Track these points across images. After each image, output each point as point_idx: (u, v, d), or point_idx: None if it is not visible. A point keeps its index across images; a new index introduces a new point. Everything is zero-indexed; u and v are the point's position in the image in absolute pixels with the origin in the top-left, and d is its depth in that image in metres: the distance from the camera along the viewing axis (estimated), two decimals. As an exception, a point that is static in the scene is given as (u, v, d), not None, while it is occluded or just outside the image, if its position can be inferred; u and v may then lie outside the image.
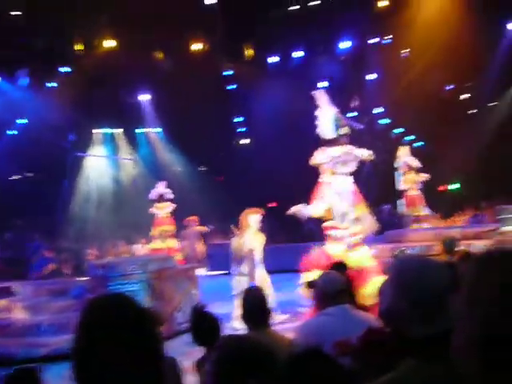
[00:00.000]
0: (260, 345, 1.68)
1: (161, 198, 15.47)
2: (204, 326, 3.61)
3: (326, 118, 7.97)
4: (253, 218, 8.68)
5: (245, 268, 8.65)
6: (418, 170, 14.43)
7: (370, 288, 7.34)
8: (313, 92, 8.35)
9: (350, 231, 7.88)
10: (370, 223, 8.17)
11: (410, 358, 1.64)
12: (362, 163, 8.45)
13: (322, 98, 8.16)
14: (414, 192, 14.08)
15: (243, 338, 1.80)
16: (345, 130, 7.98)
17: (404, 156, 14.30)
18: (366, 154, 8.13)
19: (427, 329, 1.61)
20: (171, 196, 15.63)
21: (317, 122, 8.06)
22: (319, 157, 7.97)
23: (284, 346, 3.21)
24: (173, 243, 15.32)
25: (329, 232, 7.85)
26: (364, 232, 8.08)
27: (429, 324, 1.62)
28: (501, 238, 10.07)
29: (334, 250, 7.68)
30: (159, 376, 1.48)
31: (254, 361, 1.70)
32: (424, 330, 1.62)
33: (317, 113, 8.07)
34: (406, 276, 1.72)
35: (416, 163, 14.21)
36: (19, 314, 8.50)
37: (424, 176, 14.12)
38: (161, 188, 15.72)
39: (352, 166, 8.02)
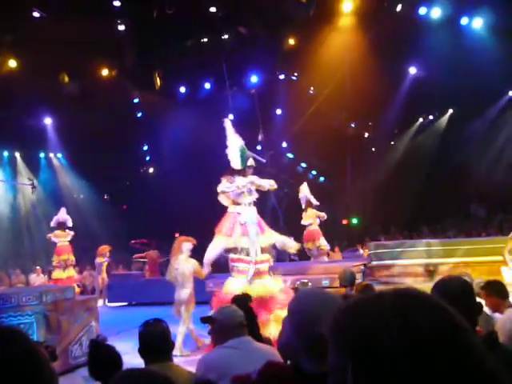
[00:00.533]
0: (161, 377, 1.64)
1: (61, 225, 14.87)
2: (102, 359, 3.46)
3: (234, 148, 8.14)
4: (185, 246, 8.90)
5: (179, 294, 8.72)
6: (317, 206, 14.81)
7: (273, 319, 7.46)
8: (222, 119, 8.55)
9: (258, 259, 8.03)
10: (289, 243, 8.43)
11: None
12: (265, 194, 8.69)
13: (229, 127, 8.34)
14: (314, 227, 14.42)
15: (143, 372, 1.74)
16: (250, 162, 8.16)
17: (304, 191, 14.65)
18: (268, 183, 8.37)
19: (319, 365, 1.58)
20: (70, 224, 15.08)
21: (227, 151, 8.20)
22: (225, 185, 8.10)
23: (184, 379, 3.16)
24: (72, 272, 14.76)
25: (235, 264, 7.97)
26: (271, 261, 8.26)
27: (319, 362, 1.58)
28: (367, 272, 10.63)
29: (235, 283, 7.79)
30: None
31: None
32: (316, 367, 1.61)
33: (227, 142, 8.24)
34: (300, 315, 1.73)
35: (313, 200, 14.58)
36: None
37: (321, 214, 14.51)
38: (61, 214, 15.13)
39: (255, 196, 8.23)
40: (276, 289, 7.94)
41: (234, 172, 8.20)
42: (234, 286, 7.71)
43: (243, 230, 7.97)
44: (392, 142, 23.28)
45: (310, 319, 1.66)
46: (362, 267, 10.79)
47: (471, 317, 2.43)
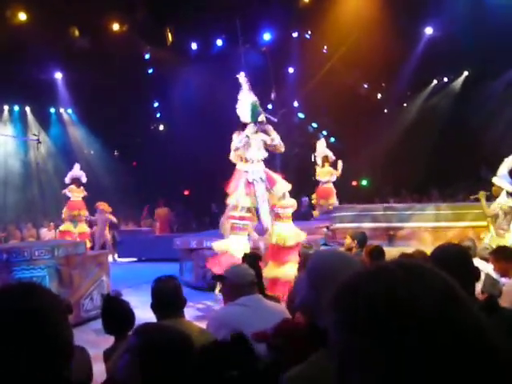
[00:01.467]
0: (178, 332, 1.67)
1: (75, 181, 14.94)
2: (116, 313, 3.53)
3: (245, 102, 8.05)
4: None
5: None
6: (332, 164, 14.83)
7: (286, 269, 7.54)
8: (238, 74, 8.42)
9: (278, 204, 8.05)
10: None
11: (323, 348, 1.67)
12: (274, 155, 8.63)
13: (243, 82, 8.25)
14: (329, 185, 14.48)
15: (163, 326, 1.78)
16: (261, 118, 8.08)
17: (321, 148, 14.66)
18: (277, 140, 8.27)
19: None
20: (85, 180, 15.13)
21: (237, 105, 8.11)
22: (236, 140, 8.05)
23: (196, 335, 3.22)
24: (84, 228, 14.89)
25: (235, 222, 7.92)
26: (293, 207, 8.27)
27: None
28: (329, 234, 10.71)
29: (237, 242, 7.79)
30: (67, 367, 1.44)
31: (174, 348, 1.68)
32: None
33: (239, 96, 8.14)
34: (322, 271, 1.75)
35: (331, 155, 14.60)
36: None
37: (337, 172, 14.54)
38: (76, 171, 15.19)
39: (263, 153, 8.16)
40: (293, 238, 7.92)
41: (243, 126, 8.13)
42: (236, 245, 7.69)
43: (248, 189, 7.94)
44: (405, 104, 22.99)
45: (330, 276, 1.68)
46: (325, 229, 10.85)
47: (469, 283, 2.47)
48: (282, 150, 8.44)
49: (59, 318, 1.44)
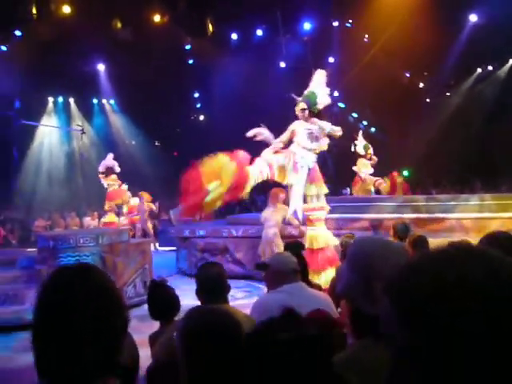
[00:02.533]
0: (230, 315, 1.70)
1: (109, 171, 15.18)
2: (162, 300, 3.58)
3: (323, 93, 8.11)
4: (280, 196, 9.21)
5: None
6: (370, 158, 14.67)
7: (325, 276, 7.45)
8: (317, 70, 8.45)
9: (307, 207, 8.02)
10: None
11: (367, 336, 1.66)
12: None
13: (321, 76, 8.31)
14: (365, 176, 14.36)
15: (214, 310, 1.80)
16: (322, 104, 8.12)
17: (361, 140, 14.55)
18: (335, 129, 8.25)
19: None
20: (118, 169, 15.35)
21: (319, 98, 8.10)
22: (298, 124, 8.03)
23: (241, 320, 3.25)
24: (124, 217, 15.16)
25: (313, 213, 7.90)
26: (326, 208, 8.21)
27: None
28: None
29: (323, 232, 7.76)
30: (122, 349, 1.47)
31: (224, 331, 1.71)
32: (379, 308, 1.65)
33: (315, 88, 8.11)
34: (363, 255, 1.73)
35: (371, 150, 14.48)
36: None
37: (374, 159, 14.43)
38: (109, 160, 15.42)
39: (320, 144, 8.12)
40: (321, 242, 7.82)
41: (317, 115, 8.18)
42: (324, 236, 7.73)
43: (311, 176, 7.97)
44: (448, 93, 22.53)
45: (375, 261, 1.68)
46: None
47: None
48: (340, 133, 8.38)
49: (119, 294, 1.48)
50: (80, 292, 1.40)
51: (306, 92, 8.18)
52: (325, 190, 8.19)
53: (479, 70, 21.79)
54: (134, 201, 16.09)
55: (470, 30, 18.84)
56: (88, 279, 1.45)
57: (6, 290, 7.64)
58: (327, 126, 8.11)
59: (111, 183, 15.16)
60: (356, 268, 1.72)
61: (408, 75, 21.43)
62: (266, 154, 8.03)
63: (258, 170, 7.66)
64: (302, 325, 1.91)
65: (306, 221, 8.11)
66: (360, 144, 14.60)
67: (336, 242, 7.92)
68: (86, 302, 1.39)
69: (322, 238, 7.80)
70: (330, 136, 8.30)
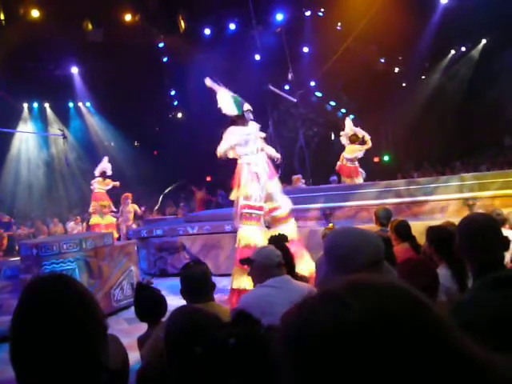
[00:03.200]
0: (211, 314, 1.69)
1: (103, 174, 15.12)
2: (148, 301, 3.60)
3: (224, 97, 7.87)
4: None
5: None
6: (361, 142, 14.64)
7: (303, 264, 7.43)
8: (205, 80, 8.20)
9: (271, 206, 7.90)
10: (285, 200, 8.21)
11: None
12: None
13: (212, 84, 8.07)
14: (353, 163, 14.36)
15: (195, 309, 1.81)
16: (247, 106, 7.87)
17: (349, 127, 14.51)
18: (272, 151, 8.16)
19: None
20: (110, 172, 15.28)
21: (219, 105, 7.89)
22: (232, 138, 7.80)
23: (226, 317, 3.24)
24: (111, 219, 15.05)
25: (246, 211, 7.75)
26: (286, 206, 8.08)
27: None
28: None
29: (251, 231, 7.63)
30: (105, 355, 1.47)
31: (205, 328, 1.70)
32: None
33: (217, 97, 7.93)
34: (338, 249, 1.73)
35: (362, 133, 14.43)
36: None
37: (367, 145, 14.40)
38: (104, 163, 15.35)
39: (260, 142, 7.97)
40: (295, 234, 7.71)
41: (233, 123, 7.93)
42: (250, 234, 7.48)
43: (252, 177, 7.80)
44: (423, 76, 22.68)
45: (350, 252, 1.67)
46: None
47: (497, 252, 2.45)
48: (278, 157, 8.30)
49: (95, 303, 1.48)
50: (57, 300, 1.41)
51: (231, 95, 7.91)
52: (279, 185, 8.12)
53: (453, 52, 21.96)
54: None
55: (441, 12, 18.93)
56: (64, 287, 1.45)
57: (-9, 301, 7.57)
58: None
59: (100, 187, 15.06)
60: (332, 259, 1.72)
61: (383, 61, 21.49)
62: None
63: None
64: (254, 327, 1.94)
65: (274, 220, 8.00)
66: (346, 134, 14.52)
67: (261, 242, 7.78)
68: (64, 309, 1.39)
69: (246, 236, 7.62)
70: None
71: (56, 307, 1.39)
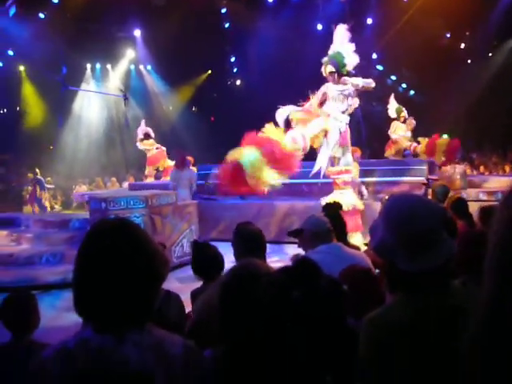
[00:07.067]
0: (263, 269, 1.74)
1: (146, 136, 15.41)
2: (205, 257, 3.63)
3: (348, 52, 7.98)
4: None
5: None
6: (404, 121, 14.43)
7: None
8: (338, 25, 8.29)
9: (333, 170, 8.01)
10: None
11: (401, 291, 1.70)
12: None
13: (343, 32, 8.15)
14: (397, 138, 14.20)
15: (258, 263, 1.82)
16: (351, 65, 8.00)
17: (393, 103, 14.30)
18: (368, 81, 8.18)
19: (416, 264, 1.63)
20: (153, 134, 15.60)
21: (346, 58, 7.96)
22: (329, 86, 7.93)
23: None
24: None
25: (339, 176, 7.85)
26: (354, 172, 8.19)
27: (417, 260, 1.63)
28: None
29: (349, 197, 7.68)
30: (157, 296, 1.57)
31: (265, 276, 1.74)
32: (413, 265, 1.64)
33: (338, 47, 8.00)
34: (396, 212, 1.72)
35: (404, 112, 14.22)
36: (22, 245, 8.63)
37: (411, 122, 14.20)
38: (143, 126, 15.66)
39: (352, 103, 8.05)
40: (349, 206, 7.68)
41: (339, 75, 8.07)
42: (347, 199, 7.63)
43: (341, 139, 7.92)
44: (490, 54, 21.89)
45: (408, 216, 1.66)
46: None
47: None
48: (373, 85, 8.29)
49: (154, 250, 1.58)
50: (118, 240, 1.51)
51: (330, 52, 8.05)
52: (349, 156, 8.15)
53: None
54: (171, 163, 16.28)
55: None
56: (126, 230, 1.56)
57: (60, 251, 7.94)
58: (359, 82, 8.06)
59: (148, 148, 15.36)
60: (390, 224, 1.70)
61: (448, 36, 20.87)
62: (295, 115, 7.94)
63: (292, 141, 7.60)
64: (316, 276, 2.02)
65: (333, 184, 8.10)
66: (392, 107, 14.34)
67: (361, 206, 7.94)
68: (124, 248, 1.49)
69: (348, 201, 7.72)
70: (365, 91, 8.26)
71: (114, 250, 1.49)
